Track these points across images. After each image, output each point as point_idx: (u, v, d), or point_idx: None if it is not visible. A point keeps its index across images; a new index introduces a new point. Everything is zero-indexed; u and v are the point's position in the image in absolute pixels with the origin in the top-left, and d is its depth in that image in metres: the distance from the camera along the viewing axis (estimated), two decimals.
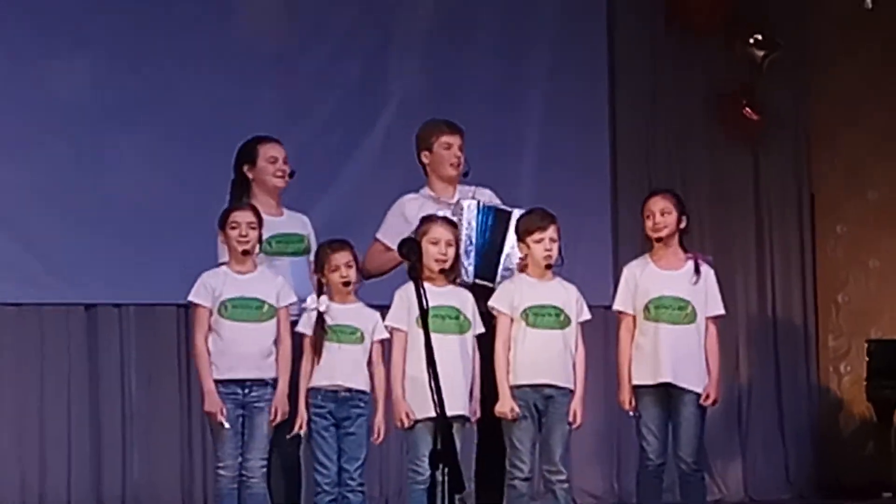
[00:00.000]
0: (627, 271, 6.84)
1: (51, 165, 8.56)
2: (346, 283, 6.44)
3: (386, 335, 6.46)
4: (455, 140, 6.98)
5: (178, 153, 8.75)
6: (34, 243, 8.54)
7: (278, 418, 6.39)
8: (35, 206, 8.53)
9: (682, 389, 6.65)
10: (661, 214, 6.73)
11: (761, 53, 10.00)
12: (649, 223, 6.75)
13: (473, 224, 6.72)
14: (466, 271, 6.67)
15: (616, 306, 6.82)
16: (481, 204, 6.79)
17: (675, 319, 6.67)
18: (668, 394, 6.68)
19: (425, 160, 7.02)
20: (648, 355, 6.67)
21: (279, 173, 6.85)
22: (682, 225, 6.79)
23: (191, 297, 6.47)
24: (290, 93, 9.07)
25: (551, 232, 6.51)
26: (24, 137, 8.54)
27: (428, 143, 7.00)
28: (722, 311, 6.83)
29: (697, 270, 6.75)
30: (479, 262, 6.70)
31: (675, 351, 6.65)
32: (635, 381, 6.70)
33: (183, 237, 8.29)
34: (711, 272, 6.82)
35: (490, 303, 6.54)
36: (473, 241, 6.71)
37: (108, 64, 8.71)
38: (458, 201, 6.81)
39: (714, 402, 6.74)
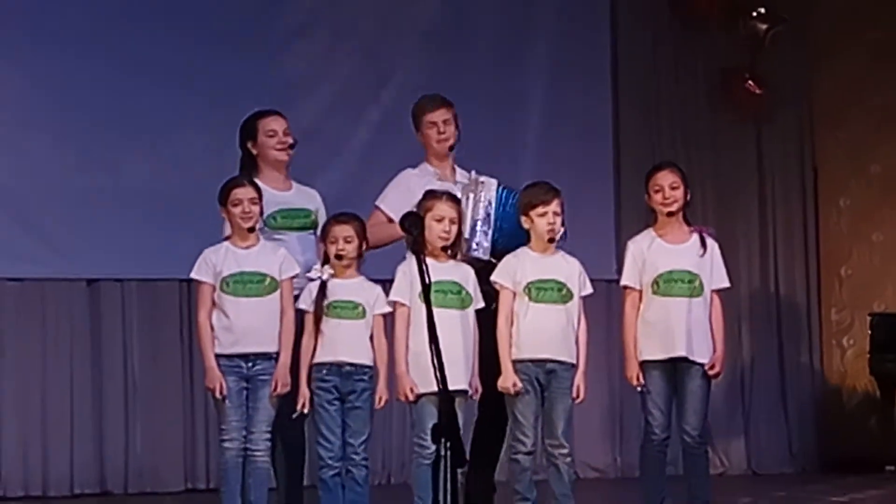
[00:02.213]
0: (633, 246, 6.79)
1: (52, 143, 8.56)
2: (339, 257, 6.42)
3: (387, 309, 6.45)
4: (438, 116, 6.97)
5: (181, 130, 8.74)
6: (36, 219, 8.55)
7: (279, 389, 6.38)
8: (36, 182, 8.53)
9: (691, 362, 6.63)
10: (671, 188, 6.70)
11: (764, 27, 9.97)
12: (658, 197, 6.70)
13: (493, 202, 6.70)
14: (483, 248, 6.66)
15: (623, 281, 6.76)
16: (501, 184, 6.77)
17: (685, 293, 6.65)
18: (674, 368, 6.66)
19: (419, 139, 7.05)
20: (659, 330, 6.63)
21: (279, 146, 6.84)
22: (688, 198, 6.77)
23: (193, 274, 6.46)
24: (295, 71, 9.08)
25: (555, 206, 6.49)
26: (25, 117, 8.54)
27: (417, 122, 7.05)
28: (727, 284, 6.81)
29: (703, 243, 6.73)
30: (496, 240, 6.68)
31: (687, 324, 6.62)
32: (645, 357, 6.67)
33: (185, 212, 8.30)
34: (716, 245, 6.79)
35: (492, 277, 6.51)
36: (493, 218, 6.68)
37: (111, 40, 8.71)
38: (477, 178, 6.78)
39: (718, 374, 6.74)
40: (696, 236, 6.75)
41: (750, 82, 10.00)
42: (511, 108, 9.50)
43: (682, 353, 6.61)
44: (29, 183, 8.52)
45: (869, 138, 10.32)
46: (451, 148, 6.99)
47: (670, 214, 6.70)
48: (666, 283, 6.65)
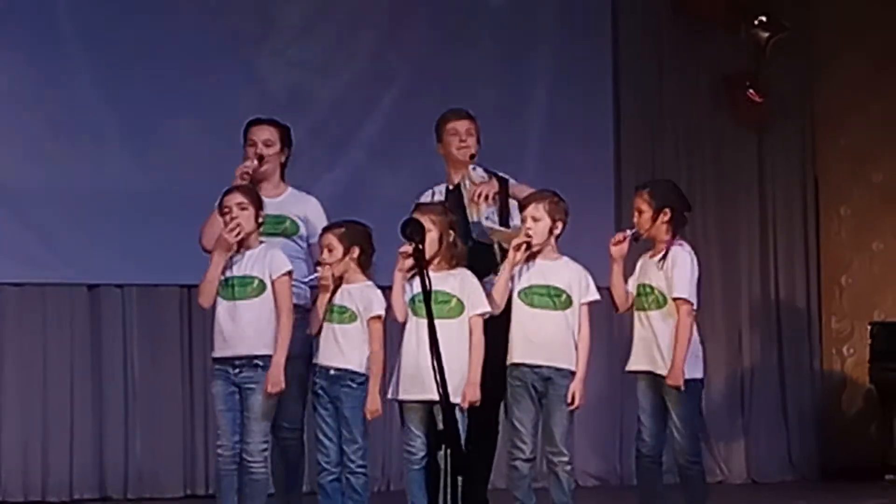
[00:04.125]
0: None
1: (53, 147, 8.56)
2: (317, 263, 6.47)
3: (379, 312, 6.38)
4: (461, 125, 7.01)
5: (182, 135, 8.75)
6: (36, 223, 8.55)
7: (270, 389, 6.30)
8: (37, 187, 8.53)
9: (663, 377, 6.51)
10: (639, 214, 6.65)
11: (766, 35, 9.97)
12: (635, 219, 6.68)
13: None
14: (493, 220, 6.75)
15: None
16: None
17: (652, 306, 6.56)
18: (656, 382, 6.55)
19: (441, 152, 7.05)
20: (648, 344, 6.55)
21: (253, 156, 6.87)
22: (667, 217, 6.61)
23: None
24: (298, 73, 9.08)
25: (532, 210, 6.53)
26: (27, 121, 8.54)
27: (439, 134, 7.06)
28: (685, 294, 6.52)
29: (665, 255, 6.59)
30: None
31: (651, 338, 6.55)
32: (630, 367, 6.63)
33: (186, 218, 8.25)
34: (680, 255, 6.58)
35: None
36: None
37: (112, 44, 8.71)
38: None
39: (675, 387, 6.47)
40: (664, 248, 6.61)
41: (751, 90, 10.00)
42: (512, 115, 9.49)
43: (646, 367, 6.54)
44: (30, 188, 8.52)
45: (870, 147, 10.32)
46: (471, 157, 6.99)
47: (637, 238, 6.63)
48: (638, 297, 6.61)
